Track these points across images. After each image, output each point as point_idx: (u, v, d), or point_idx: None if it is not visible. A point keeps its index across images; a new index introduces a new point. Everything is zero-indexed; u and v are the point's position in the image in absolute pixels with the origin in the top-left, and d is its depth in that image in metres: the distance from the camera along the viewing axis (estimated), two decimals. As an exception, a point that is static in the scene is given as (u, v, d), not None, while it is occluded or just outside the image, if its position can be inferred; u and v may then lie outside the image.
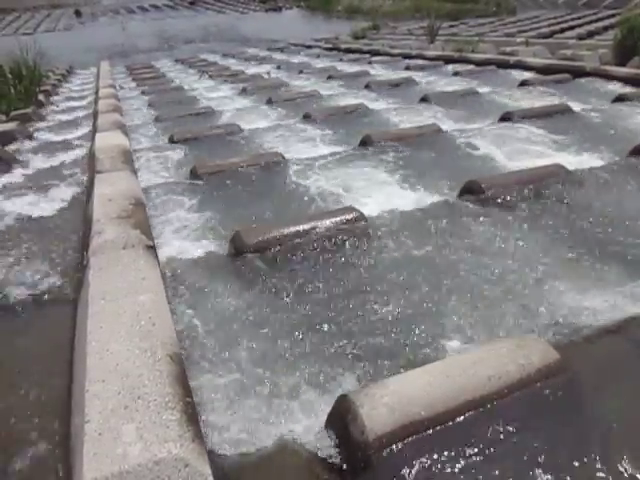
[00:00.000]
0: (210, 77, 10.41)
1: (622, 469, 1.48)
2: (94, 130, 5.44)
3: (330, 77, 8.90)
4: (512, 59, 8.54)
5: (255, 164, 4.06)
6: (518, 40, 12.20)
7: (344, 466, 1.50)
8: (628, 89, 6.02)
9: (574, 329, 2.01)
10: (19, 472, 1.55)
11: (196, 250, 2.81)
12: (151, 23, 27.44)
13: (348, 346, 2.00)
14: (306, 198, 3.49)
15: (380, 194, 3.44)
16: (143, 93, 8.91)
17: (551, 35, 14.39)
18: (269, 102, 6.92)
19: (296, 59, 12.71)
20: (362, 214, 2.93)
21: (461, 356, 1.78)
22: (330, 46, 14.99)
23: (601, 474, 1.46)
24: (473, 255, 2.59)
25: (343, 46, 14.52)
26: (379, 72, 9.27)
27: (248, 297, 2.34)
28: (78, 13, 33.73)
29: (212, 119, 6.26)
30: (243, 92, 8.10)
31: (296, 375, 1.87)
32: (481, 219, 2.95)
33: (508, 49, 9.79)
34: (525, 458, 1.48)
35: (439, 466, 1.46)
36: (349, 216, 2.89)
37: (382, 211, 3.09)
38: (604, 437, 1.56)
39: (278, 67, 11.17)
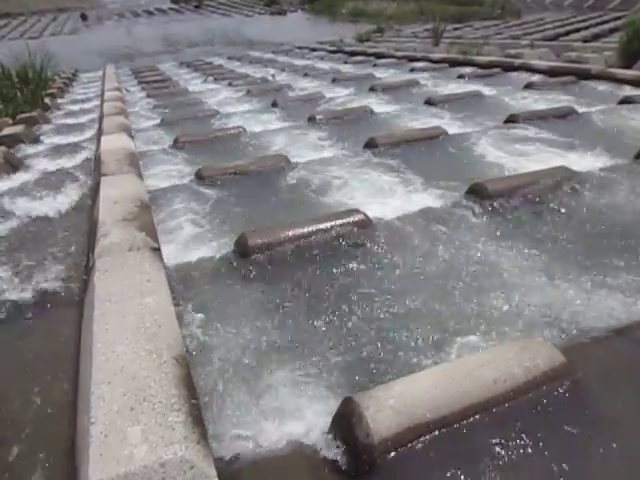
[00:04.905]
0: (215, 80, 10.44)
1: (628, 472, 1.47)
2: (100, 133, 5.47)
3: (335, 80, 8.91)
4: (517, 61, 8.52)
5: (260, 167, 4.07)
6: (523, 43, 12.20)
7: (349, 469, 1.49)
8: (634, 91, 6.00)
9: (580, 332, 2.01)
10: (25, 473, 1.56)
11: (201, 252, 2.82)
12: (156, 26, 27.54)
13: (351, 349, 2.00)
14: (311, 200, 3.50)
15: (385, 197, 3.43)
16: (148, 96, 8.95)
17: (556, 38, 14.38)
18: (274, 105, 6.94)
19: (301, 62, 12.73)
20: (367, 216, 2.93)
21: (466, 358, 1.78)
22: (335, 49, 15.00)
23: (608, 476, 1.46)
24: (478, 258, 2.59)
25: (348, 49, 14.53)
26: (384, 75, 9.27)
27: (252, 298, 2.35)
28: (84, 17, 33.85)
29: (217, 122, 6.28)
30: (248, 95, 8.12)
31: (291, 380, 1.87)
32: (487, 221, 2.95)
33: (513, 52, 9.77)
34: (530, 461, 1.48)
35: (444, 469, 1.45)
36: (354, 218, 2.89)
37: (387, 213, 3.09)
38: (610, 440, 1.55)
39: (283, 70, 11.19)
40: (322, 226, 2.82)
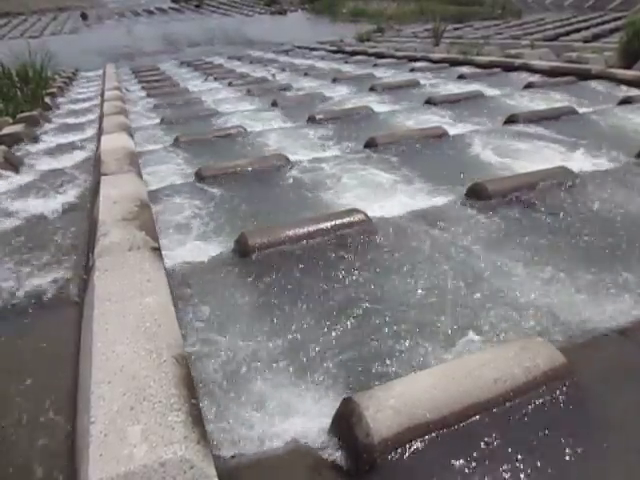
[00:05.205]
0: (215, 79, 10.44)
1: (629, 472, 1.47)
2: (100, 132, 5.47)
3: (335, 79, 8.91)
4: (517, 62, 8.52)
5: (260, 166, 4.07)
6: (523, 43, 12.19)
7: (349, 468, 1.49)
8: (634, 92, 6.01)
9: (580, 332, 2.01)
10: (25, 473, 1.56)
11: (201, 251, 2.82)
12: (157, 26, 27.50)
13: (352, 349, 2.00)
14: (311, 200, 3.50)
15: (385, 196, 3.44)
16: (148, 95, 8.95)
17: (556, 38, 14.37)
18: (274, 104, 6.94)
19: (301, 61, 12.73)
20: (367, 216, 2.93)
21: (467, 358, 1.78)
22: (335, 49, 15.01)
23: (608, 477, 1.46)
24: (478, 258, 2.58)
25: (348, 49, 14.53)
26: (384, 74, 9.27)
27: (252, 298, 2.34)
28: (84, 16, 33.81)
29: (217, 121, 6.28)
30: (248, 94, 8.12)
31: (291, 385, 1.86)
32: (487, 221, 2.94)
33: (513, 52, 9.77)
34: (530, 461, 1.48)
35: (444, 469, 1.45)
36: (354, 218, 2.89)
37: (387, 213, 3.09)
38: (610, 440, 1.55)
39: (283, 69, 11.19)
40: (322, 226, 2.82)
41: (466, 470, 1.45)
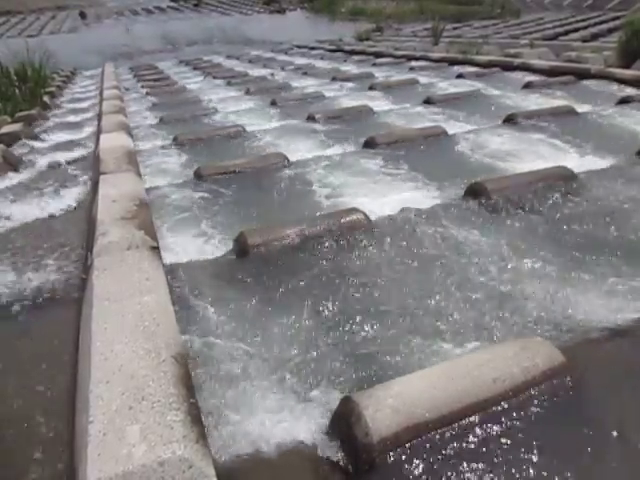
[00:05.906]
0: (214, 78, 10.43)
1: (628, 472, 1.47)
2: (98, 131, 5.47)
3: (334, 79, 8.91)
4: (516, 61, 8.52)
5: (259, 165, 4.07)
6: (522, 42, 12.20)
7: (348, 468, 1.49)
8: (633, 91, 6.01)
9: (579, 332, 2.01)
10: (23, 474, 1.55)
11: (200, 251, 2.82)
12: (155, 25, 27.43)
13: (352, 349, 2.00)
14: (310, 199, 3.49)
15: (384, 195, 3.43)
16: (147, 94, 8.94)
17: (555, 37, 14.38)
18: (273, 103, 6.94)
19: (300, 61, 12.72)
20: (366, 215, 2.92)
21: (466, 358, 1.78)
22: (334, 48, 15.00)
23: (607, 477, 1.46)
24: (477, 258, 2.58)
25: (347, 48, 14.53)
26: (383, 74, 9.26)
27: (251, 298, 2.34)
28: (83, 15, 33.76)
29: (216, 120, 6.28)
30: (247, 93, 8.12)
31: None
32: (485, 221, 2.94)
33: (512, 51, 9.77)
34: (530, 461, 1.48)
35: (443, 469, 1.45)
36: (352, 217, 2.89)
37: (386, 213, 3.08)
38: (609, 440, 1.55)
39: (282, 68, 11.18)
40: (321, 225, 2.81)
41: (464, 469, 1.45)
